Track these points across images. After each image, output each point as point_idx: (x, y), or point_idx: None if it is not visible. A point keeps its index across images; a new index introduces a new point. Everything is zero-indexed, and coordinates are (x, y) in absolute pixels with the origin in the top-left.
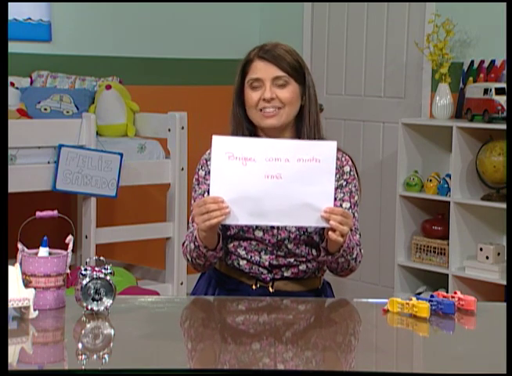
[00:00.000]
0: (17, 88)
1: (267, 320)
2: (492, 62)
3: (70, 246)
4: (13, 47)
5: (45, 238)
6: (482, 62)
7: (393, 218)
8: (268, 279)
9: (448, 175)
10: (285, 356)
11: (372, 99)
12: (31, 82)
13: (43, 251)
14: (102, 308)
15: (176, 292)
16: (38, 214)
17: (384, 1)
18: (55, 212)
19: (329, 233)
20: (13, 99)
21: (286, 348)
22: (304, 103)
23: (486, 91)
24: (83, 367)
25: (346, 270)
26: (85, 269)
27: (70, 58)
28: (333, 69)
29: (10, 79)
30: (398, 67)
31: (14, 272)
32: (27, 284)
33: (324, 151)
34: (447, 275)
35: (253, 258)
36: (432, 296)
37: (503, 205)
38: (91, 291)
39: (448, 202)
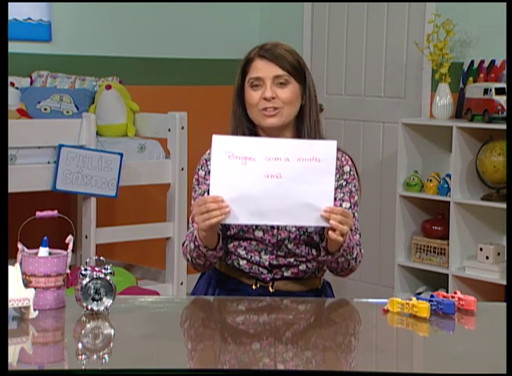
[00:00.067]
0: (17, 88)
1: (267, 320)
2: (492, 62)
3: (70, 246)
4: (13, 47)
5: (45, 238)
6: (482, 62)
7: (393, 218)
8: (268, 279)
9: (448, 175)
10: (285, 356)
11: (372, 99)
12: (31, 82)
13: (43, 251)
14: (102, 308)
15: (176, 292)
16: (38, 214)
17: (384, 1)
18: (55, 212)
19: (329, 232)
20: (13, 99)
21: (286, 348)
22: (305, 102)
23: (486, 91)
24: (83, 367)
25: (346, 270)
26: (85, 269)
27: (70, 58)
28: (333, 69)
29: (10, 79)
30: (398, 67)
31: (14, 272)
32: (27, 284)
33: (324, 151)
34: (447, 275)
35: (253, 258)
36: (432, 296)
37: (503, 205)
38: (91, 291)
39: (448, 202)
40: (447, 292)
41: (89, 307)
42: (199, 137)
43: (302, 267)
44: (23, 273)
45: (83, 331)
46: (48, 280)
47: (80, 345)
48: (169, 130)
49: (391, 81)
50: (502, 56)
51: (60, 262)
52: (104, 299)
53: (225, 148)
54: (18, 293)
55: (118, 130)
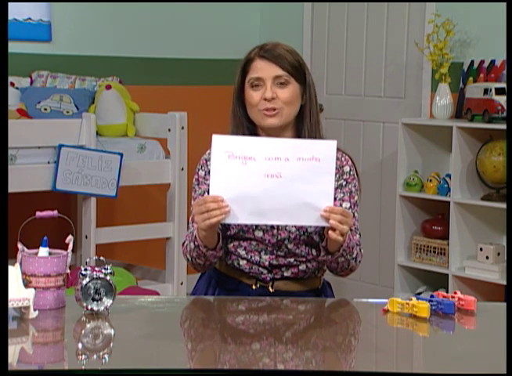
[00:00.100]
0: (17, 88)
1: (267, 320)
2: (492, 62)
3: (70, 246)
4: (13, 47)
5: (45, 238)
6: (482, 62)
7: (393, 218)
8: (268, 279)
9: (448, 175)
10: (285, 356)
11: (372, 99)
12: (31, 82)
13: (43, 251)
14: (102, 308)
15: (176, 292)
16: (38, 214)
17: (384, 1)
18: (55, 212)
19: (329, 232)
20: (13, 99)
21: (286, 348)
22: (305, 102)
23: (486, 91)
24: (83, 367)
25: (346, 270)
26: (85, 269)
27: (70, 58)
28: (333, 69)
29: (10, 79)
30: (398, 67)
31: (14, 272)
32: (27, 284)
33: (324, 150)
34: (447, 275)
35: (253, 258)
36: (432, 296)
37: (503, 205)
38: (91, 291)
39: (448, 202)
40: (447, 292)
41: (89, 307)
42: (199, 137)
43: (302, 267)
44: (23, 273)
45: (83, 331)
46: (48, 280)
47: (80, 345)
48: (169, 130)
49: (391, 81)
50: (502, 56)
51: (60, 262)
52: (104, 299)
53: (225, 148)
54: (18, 293)
55: (118, 130)
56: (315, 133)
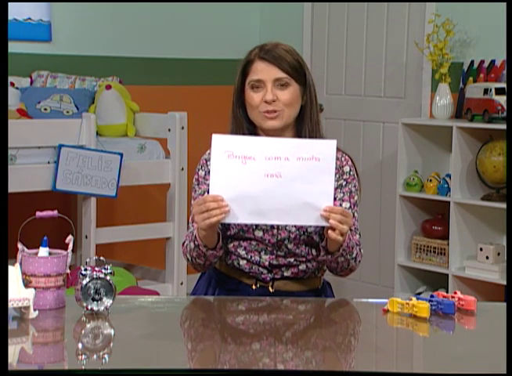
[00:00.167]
0: (17, 88)
1: (267, 320)
2: (492, 62)
3: (70, 246)
4: (13, 47)
5: (45, 238)
6: (482, 62)
7: (393, 218)
8: (268, 279)
9: (448, 175)
10: (285, 356)
11: (372, 99)
12: (31, 82)
13: (43, 251)
14: (102, 308)
15: (176, 292)
16: (38, 214)
17: (384, 1)
18: (55, 212)
19: (329, 231)
20: (13, 99)
21: (286, 348)
22: (305, 102)
23: (486, 91)
24: (83, 367)
25: (346, 270)
26: (85, 269)
27: (70, 58)
28: (333, 69)
29: (10, 79)
30: (398, 67)
31: (14, 272)
32: (27, 284)
33: (324, 150)
34: (447, 275)
35: (253, 258)
36: (432, 296)
37: (503, 205)
38: (91, 291)
39: (448, 202)
40: (447, 292)
41: (89, 307)
42: (199, 137)
43: (302, 267)
44: (23, 273)
45: (83, 331)
46: (48, 280)
47: (80, 345)
48: (169, 130)
49: (391, 81)
50: (502, 56)
51: (60, 262)
52: (104, 299)
53: (225, 147)
54: (18, 293)
55: (118, 130)
56: (315, 133)
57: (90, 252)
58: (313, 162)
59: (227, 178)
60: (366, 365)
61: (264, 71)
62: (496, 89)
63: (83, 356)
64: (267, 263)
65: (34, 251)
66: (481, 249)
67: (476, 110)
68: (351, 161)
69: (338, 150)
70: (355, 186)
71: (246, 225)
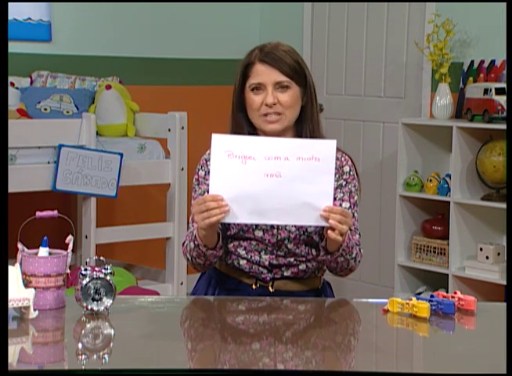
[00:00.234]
0: (17, 88)
1: (267, 320)
2: (492, 62)
3: (70, 246)
4: (13, 47)
5: (45, 238)
6: (482, 62)
7: (393, 218)
8: (268, 278)
9: (448, 175)
10: (285, 356)
11: (372, 99)
12: (31, 82)
13: (43, 251)
14: (102, 308)
15: (176, 292)
16: (38, 214)
17: (384, 1)
18: (55, 212)
19: (329, 231)
20: (13, 99)
21: (286, 348)
22: (305, 103)
23: (486, 91)
24: (83, 367)
25: (345, 270)
26: (85, 269)
27: (70, 58)
28: (333, 69)
29: (10, 79)
30: (398, 67)
31: (14, 272)
32: (27, 284)
33: (324, 150)
34: (447, 275)
35: (253, 258)
36: (432, 296)
37: (503, 205)
38: (91, 291)
39: (448, 202)
40: (447, 292)
41: (89, 307)
42: (199, 137)
43: (302, 267)
44: (23, 273)
45: (83, 331)
46: (48, 280)
47: (80, 345)
48: (169, 130)
49: (391, 81)
50: (502, 56)
51: (60, 262)
52: (104, 299)
53: (225, 147)
54: (18, 293)
55: (118, 130)
56: (316, 133)
57: (90, 252)
58: (313, 162)
59: (227, 178)
60: (366, 365)
61: (264, 74)
62: (496, 89)
63: (83, 356)
64: (267, 263)
65: (34, 251)
66: (481, 249)
67: (476, 110)
68: (351, 161)
69: (338, 150)
70: (354, 186)
71: (246, 225)
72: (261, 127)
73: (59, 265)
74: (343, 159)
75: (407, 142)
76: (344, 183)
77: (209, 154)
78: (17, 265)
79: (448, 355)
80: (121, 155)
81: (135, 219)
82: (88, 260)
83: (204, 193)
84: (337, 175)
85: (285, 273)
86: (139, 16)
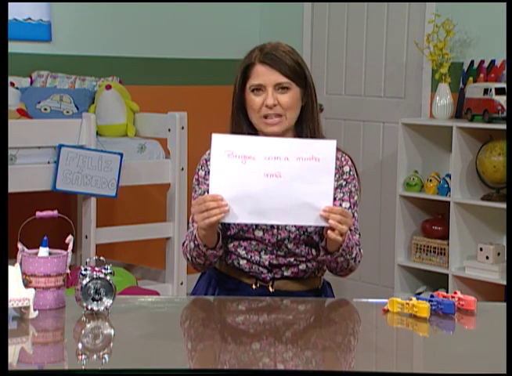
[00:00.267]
0: (17, 88)
1: (267, 320)
2: (492, 62)
3: (70, 246)
4: (13, 47)
5: (45, 238)
6: (482, 62)
7: (393, 218)
8: (268, 278)
9: (448, 175)
10: (285, 355)
11: (372, 99)
12: (31, 82)
13: (43, 251)
14: (102, 308)
15: (176, 292)
16: (38, 214)
17: (384, 1)
18: (55, 212)
19: (328, 232)
20: (13, 99)
21: (286, 348)
22: (305, 103)
23: (486, 91)
24: (83, 367)
25: (345, 270)
26: (85, 269)
27: (70, 58)
28: (333, 69)
29: (10, 79)
30: (398, 67)
31: (14, 272)
32: (27, 284)
33: (323, 150)
34: (447, 275)
35: (253, 258)
36: (432, 296)
37: (503, 205)
38: (91, 291)
39: (448, 202)
40: (447, 292)
41: (89, 307)
42: (199, 137)
43: (302, 267)
44: (23, 273)
45: (83, 331)
46: (48, 280)
47: (80, 345)
48: (169, 130)
49: (391, 81)
50: (502, 56)
51: (60, 262)
52: (104, 299)
53: (225, 147)
54: (18, 293)
55: (118, 130)
56: (316, 134)
57: (90, 252)
58: (313, 162)
59: (227, 178)
60: (366, 365)
61: (264, 76)
62: (496, 89)
63: (83, 356)
64: (267, 263)
65: (34, 251)
66: (481, 249)
67: (476, 110)
68: (351, 161)
69: (338, 150)
70: (354, 186)
71: (246, 225)
72: (261, 128)
73: (59, 265)
74: (343, 159)
75: (407, 142)
76: (344, 183)
77: (209, 154)
78: (17, 265)
79: (448, 355)
80: (121, 155)
81: (135, 219)
82: (88, 260)
83: (204, 193)
84: (337, 175)
85: (285, 273)
86: (139, 16)
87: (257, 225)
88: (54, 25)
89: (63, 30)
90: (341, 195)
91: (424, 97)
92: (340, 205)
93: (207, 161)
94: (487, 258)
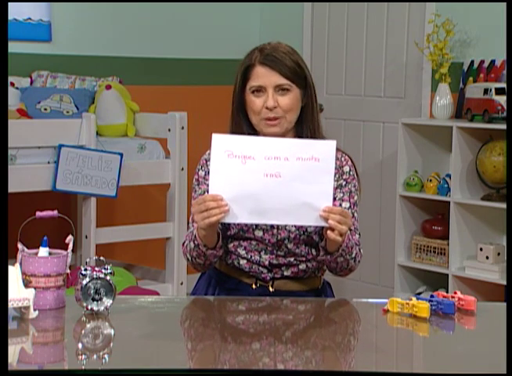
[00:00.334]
0: (17, 88)
1: (267, 320)
2: (492, 62)
3: (70, 246)
4: (13, 47)
5: (45, 238)
6: (482, 62)
7: (393, 218)
8: (268, 278)
9: (448, 175)
10: (285, 355)
11: (372, 99)
12: (31, 82)
13: (43, 251)
14: (102, 308)
15: (176, 292)
16: (38, 214)
17: (384, 1)
18: (55, 212)
19: (328, 232)
20: (13, 99)
21: (286, 348)
22: (305, 104)
23: (486, 91)
24: (83, 367)
25: (345, 270)
26: (85, 269)
27: (70, 58)
28: (333, 69)
29: (10, 79)
30: (398, 67)
31: (14, 272)
32: (27, 284)
33: (323, 150)
34: (447, 275)
35: (253, 258)
36: (432, 296)
37: (503, 205)
38: (91, 291)
39: (448, 202)
40: (447, 292)
41: (89, 307)
42: (199, 137)
43: (302, 266)
44: (23, 273)
45: (83, 331)
46: (48, 280)
47: (80, 345)
48: (169, 130)
49: (391, 81)
50: (502, 56)
51: (60, 262)
52: (104, 299)
53: (225, 147)
54: (18, 293)
55: (118, 130)
56: (316, 134)
57: (90, 252)
58: (313, 162)
59: (227, 178)
60: (366, 365)
61: (265, 77)
62: (496, 89)
63: (83, 356)
64: (267, 263)
65: (34, 251)
66: (481, 249)
67: (476, 110)
68: (351, 161)
69: (338, 150)
70: (354, 186)
71: (246, 225)
72: (261, 129)
73: (59, 265)
74: (343, 159)
75: (407, 142)
76: (343, 183)
77: (209, 154)
78: (17, 265)
79: (448, 355)
80: (121, 155)
81: (135, 219)
82: (88, 260)
83: (204, 193)
84: (337, 175)
85: (285, 273)
86: (139, 16)
87: (257, 225)
88: (54, 25)
89: (63, 30)
90: (341, 195)
91: (424, 97)
92: (340, 205)
93: (207, 161)
94: (487, 258)
